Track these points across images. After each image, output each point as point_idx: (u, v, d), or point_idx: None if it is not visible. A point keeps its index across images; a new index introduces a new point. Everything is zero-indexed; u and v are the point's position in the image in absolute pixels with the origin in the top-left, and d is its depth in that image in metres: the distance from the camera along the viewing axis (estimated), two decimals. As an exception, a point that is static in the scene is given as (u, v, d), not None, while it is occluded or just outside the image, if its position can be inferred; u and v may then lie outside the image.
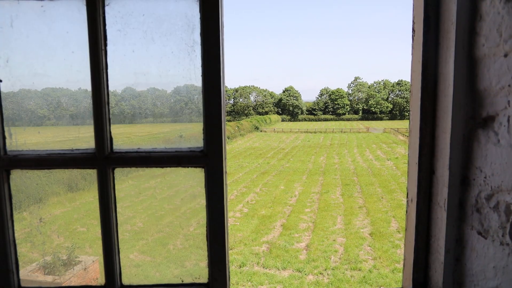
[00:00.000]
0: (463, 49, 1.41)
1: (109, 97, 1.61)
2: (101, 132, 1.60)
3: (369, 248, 15.84)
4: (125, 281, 1.76)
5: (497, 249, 1.33)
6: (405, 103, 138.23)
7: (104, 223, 1.67)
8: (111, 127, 1.65)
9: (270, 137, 73.28)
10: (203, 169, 1.64)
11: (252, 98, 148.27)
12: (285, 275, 13.49)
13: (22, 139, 1.76)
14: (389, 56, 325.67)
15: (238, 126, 71.90)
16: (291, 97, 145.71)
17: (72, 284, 8.64)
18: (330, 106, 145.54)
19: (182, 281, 1.79)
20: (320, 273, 13.59)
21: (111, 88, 1.62)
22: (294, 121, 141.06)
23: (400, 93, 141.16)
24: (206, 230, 1.68)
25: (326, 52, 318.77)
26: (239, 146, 56.62)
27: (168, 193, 17.89)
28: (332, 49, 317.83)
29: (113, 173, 1.66)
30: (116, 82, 1.63)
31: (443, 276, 1.53)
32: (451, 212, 1.49)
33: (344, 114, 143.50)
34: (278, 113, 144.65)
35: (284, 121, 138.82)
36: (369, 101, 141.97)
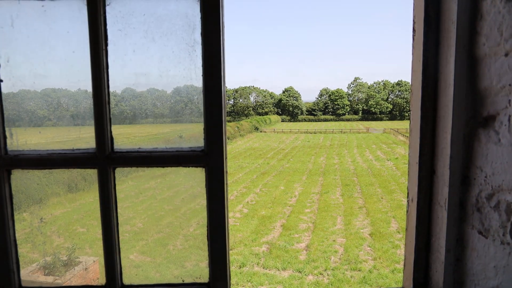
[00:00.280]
0: (464, 48, 1.41)
1: (110, 97, 1.61)
2: (102, 132, 1.60)
3: (369, 248, 15.83)
4: (126, 281, 1.76)
5: (497, 248, 1.33)
6: (405, 103, 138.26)
7: (104, 223, 1.67)
8: (111, 128, 1.65)
9: (270, 137, 73.28)
10: (203, 169, 1.64)
11: (252, 99, 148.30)
12: (285, 276, 13.48)
13: (22, 139, 1.76)
14: (389, 57, 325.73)
15: (238, 127, 71.89)
16: (291, 98, 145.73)
17: (73, 284, 8.64)
18: (330, 107, 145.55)
19: (183, 281, 1.79)
20: (320, 274, 13.59)
21: (110, 89, 1.62)
22: (294, 121, 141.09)
23: (400, 93, 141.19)
24: (207, 230, 1.68)
25: (326, 52, 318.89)
26: (239, 147, 56.62)
27: (168, 194, 17.90)
28: (333, 49, 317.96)
29: (114, 173, 1.66)
30: (116, 82, 1.63)
31: (443, 275, 1.53)
32: (451, 211, 1.49)
33: (344, 114, 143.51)
34: (278, 113, 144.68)
35: (284, 121, 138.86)
36: (369, 102, 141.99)
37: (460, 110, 1.44)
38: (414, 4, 1.61)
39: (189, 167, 1.65)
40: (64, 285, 8.27)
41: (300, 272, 13.74)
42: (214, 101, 1.57)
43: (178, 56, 1.63)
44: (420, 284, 1.68)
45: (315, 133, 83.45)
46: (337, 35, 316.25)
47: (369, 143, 58.54)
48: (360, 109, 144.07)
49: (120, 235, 1.74)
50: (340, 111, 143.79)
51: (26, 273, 8.48)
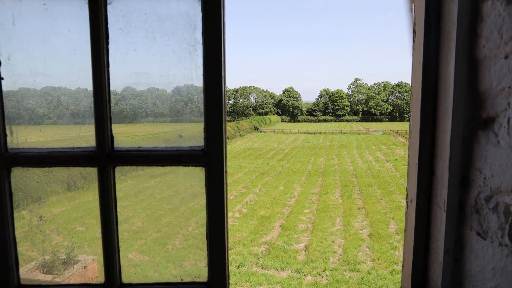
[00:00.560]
0: (464, 50, 1.42)
1: (110, 95, 1.61)
2: (102, 131, 1.60)
3: (367, 249, 15.84)
4: (125, 280, 1.76)
5: (496, 250, 1.34)
6: (405, 105, 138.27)
7: (104, 221, 1.68)
8: (112, 126, 1.65)
9: (269, 137, 73.28)
10: (203, 169, 1.64)
11: (252, 99, 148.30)
12: (283, 276, 13.48)
13: (23, 137, 1.76)
14: (389, 58, 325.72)
15: (237, 127, 71.89)
16: (291, 98, 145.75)
17: (72, 282, 8.64)
18: (330, 107, 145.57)
19: (182, 280, 1.79)
20: (319, 274, 13.59)
21: (111, 87, 1.62)
22: (293, 122, 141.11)
23: (400, 94, 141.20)
24: (206, 229, 1.68)
25: (326, 53, 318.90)
26: (239, 147, 56.62)
27: (167, 193, 17.91)
28: (333, 50, 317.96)
29: (114, 172, 1.66)
30: (117, 81, 1.64)
31: (442, 276, 1.53)
32: (450, 213, 1.49)
33: (343, 115, 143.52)
34: (278, 113, 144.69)
35: (284, 121, 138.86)
36: (369, 103, 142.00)
37: (459, 111, 1.44)
38: (414, 6, 1.61)
39: (189, 166, 1.66)
40: (63, 283, 8.28)
41: (298, 272, 13.74)
42: (215, 101, 1.57)
43: (179, 55, 1.64)
44: (418, 285, 1.68)
45: (314, 133, 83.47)
46: (337, 36, 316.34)
47: (368, 144, 58.55)
48: (360, 110, 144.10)
49: (119, 234, 1.74)
50: (340, 112, 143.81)
51: (25, 271, 8.49)
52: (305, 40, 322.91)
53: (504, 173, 1.28)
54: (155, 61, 1.72)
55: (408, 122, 1.68)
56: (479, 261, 1.40)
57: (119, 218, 1.73)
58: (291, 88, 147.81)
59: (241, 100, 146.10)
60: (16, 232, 1.74)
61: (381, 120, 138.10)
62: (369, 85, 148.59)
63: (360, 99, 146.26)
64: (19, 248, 1.76)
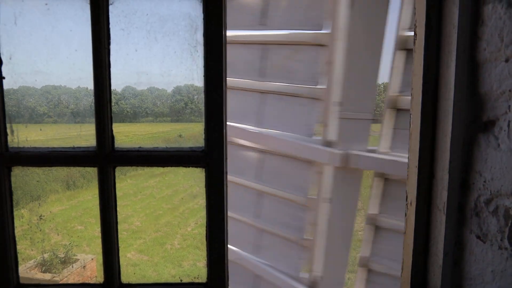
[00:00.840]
0: (465, 53, 1.42)
1: (111, 95, 1.61)
2: (103, 131, 1.60)
3: (366, 250, 15.81)
4: (124, 280, 1.76)
5: (495, 253, 1.34)
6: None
7: (104, 221, 1.68)
8: (112, 126, 1.65)
9: (269, 138, 73.01)
10: (203, 169, 1.64)
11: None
12: (282, 277, 13.45)
13: (23, 136, 1.76)
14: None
15: (237, 127, 71.71)
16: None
17: (70, 281, 8.63)
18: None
19: (181, 280, 1.79)
20: (318, 275, 13.56)
21: (111, 87, 1.62)
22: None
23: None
24: (206, 230, 1.68)
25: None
26: (238, 147, 56.44)
27: (167, 193, 17.89)
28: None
29: (114, 172, 1.66)
30: (118, 80, 1.64)
31: (441, 279, 1.53)
32: (450, 215, 1.49)
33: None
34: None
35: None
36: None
37: (460, 114, 1.44)
38: (415, 8, 1.61)
39: (189, 167, 1.66)
40: (61, 282, 8.26)
41: (297, 273, 13.70)
42: (215, 102, 1.57)
43: (180, 56, 1.64)
44: (418, 288, 1.68)
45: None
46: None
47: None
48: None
49: (118, 234, 1.74)
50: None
51: (24, 269, 8.48)
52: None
53: (504, 176, 1.28)
54: (156, 61, 1.73)
55: (408, 124, 1.68)
56: (479, 264, 1.40)
57: (119, 218, 1.73)
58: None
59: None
60: (15, 231, 1.74)
61: (381, 122, 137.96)
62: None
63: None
64: (18, 247, 1.76)
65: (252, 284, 6.04)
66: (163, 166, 1.66)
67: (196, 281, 1.78)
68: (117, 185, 1.70)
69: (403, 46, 4.53)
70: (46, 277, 8.58)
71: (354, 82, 4.93)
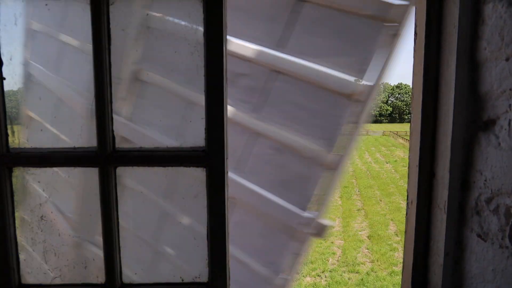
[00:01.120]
0: (465, 52, 1.42)
1: (112, 95, 1.61)
2: (104, 131, 1.61)
3: (367, 250, 15.84)
4: (125, 279, 1.76)
5: (496, 252, 1.34)
6: (404, 106, 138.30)
7: (105, 222, 1.68)
8: (113, 127, 1.66)
9: (269, 138, 73.03)
10: (204, 169, 1.64)
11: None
12: (283, 277, 13.45)
13: (24, 137, 1.76)
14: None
15: (237, 127, 71.71)
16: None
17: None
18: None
19: (182, 280, 1.79)
20: (318, 275, 13.59)
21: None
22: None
23: (399, 96, 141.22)
24: (207, 230, 1.68)
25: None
26: (238, 147, 56.47)
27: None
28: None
29: (115, 172, 1.66)
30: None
31: (442, 278, 1.54)
32: (451, 214, 1.49)
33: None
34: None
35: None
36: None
37: (460, 113, 1.44)
38: (415, 8, 1.62)
39: (190, 167, 1.66)
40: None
41: (297, 273, 13.71)
42: (216, 101, 1.58)
43: (180, 56, 1.64)
44: (419, 287, 1.68)
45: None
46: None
47: (368, 145, 58.52)
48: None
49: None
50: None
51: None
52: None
53: (504, 175, 1.28)
54: (157, 61, 1.73)
55: (408, 124, 1.69)
56: (480, 263, 1.41)
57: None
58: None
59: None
60: (17, 231, 1.75)
61: (380, 122, 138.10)
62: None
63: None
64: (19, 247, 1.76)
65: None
66: (165, 166, 1.66)
67: (197, 280, 1.79)
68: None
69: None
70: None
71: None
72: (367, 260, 14.91)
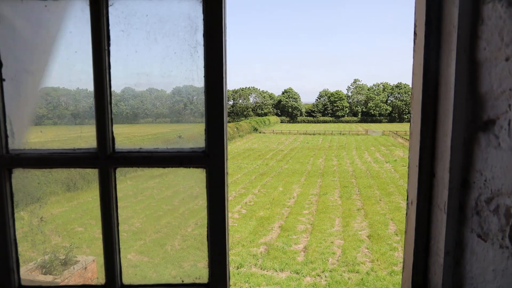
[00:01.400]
0: (465, 52, 1.42)
1: (112, 97, 1.61)
2: (103, 132, 1.61)
3: (367, 250, 15.84)
4: (125, 281, 1.76)
5: (496, 252, 1.34)
6: (404, 106, 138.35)
7: (105, 223, 1.68)
8: (113, 128, 1.65)
9: (269, 138, 73.31)
10: (204, 170, 1.64)
11: (251, 99, 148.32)
12: (282, 277, 13.48)
13: (24, 138, 1.76)
14: (389, 59, 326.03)
15: (237, 127, 71.88)
16: (290, 99, 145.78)
17: (71, 283, 8.63)
18: (329, 108, 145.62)
19: (183, 281, 1.79)
20: (318, 275, 13.59)
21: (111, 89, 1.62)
22: (293, 122, 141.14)
23: (399, 95, 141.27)
24: (207, 231, 1.68)
25: (326, 53, 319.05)
26: (238, 147, 56.62)
27: (166, 193, 17.90)
28: (332, 50, 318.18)
29: (115, 173, 1.66)
30: (118, 82, 1.64)
31: (442, 278, 1.53)
32: (451, 214, 1.49)
33: (343, 116, 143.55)
34: (277, 114, 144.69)
35: (283, 122, 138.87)
36: (368, 104, 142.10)
37: (460, 113, 1.44)
38: (415, 8, 1.62)
39: (190, 168, 1.66)
40: (62, 284, 8.26)
41: (297, 273, 13.73)
42: (216, 103, 1.58)
43: (180, 57, 1.64)
44: (419, 287, 1.68)
45: (314, 134, 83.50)
46: (337, 37, 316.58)
47: (368, 145, 58.56)
48: (359, 111, 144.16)
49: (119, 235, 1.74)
50: (339, 113, 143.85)
51: (24, 271, 8.47)
52: (305, 40, 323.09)
53: (504, 175, 1.28)
54: (156, 62, 1.73)
55: (407, 123, 1.69)
56: (480, 263, 1.40)
57: (119, 219, 1.73)
58: (291, 89, 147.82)
59: (240, 101, 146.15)
60: (16, 233, 1.74)
61: (380, 121, 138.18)
62: (369, 86, 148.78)
63: (359, 100, 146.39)
64: (19, 249, 1.76)
65: None
66: (164, 167, 1.66)
67: (198, 281, 1.79)
68: (117, 186, 1.70)
69: None
70: (48, 278, 8.58)
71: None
72: (367, 259, 14.92)
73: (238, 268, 14.23)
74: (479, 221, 1.40)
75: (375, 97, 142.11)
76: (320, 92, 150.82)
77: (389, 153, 47.61)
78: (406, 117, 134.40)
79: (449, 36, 1.46)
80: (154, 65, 1.75)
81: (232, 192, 25.97)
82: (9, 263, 1.71)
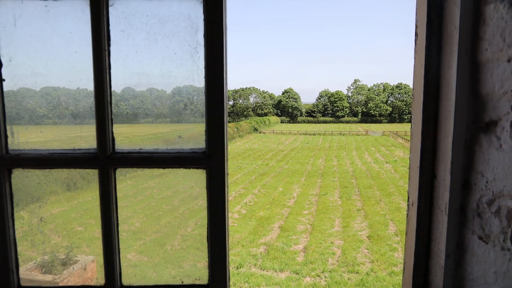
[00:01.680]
0: (466, 53, 1.41)
1: (112, 97, 1.61)
2: (103, 132, 1.60)
3: (366, 251, 15.83)
4: (125, 281, 1.76)
5: (498, 254, 1.33)
6: (404, 106, 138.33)
7: (104, 223, 1.67)
8: (113, 128, 1.65)
9: (269, 138, 73.31)
10: (204, 171, 1.64)
11: (251, 100, 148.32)
12: (282, 277, 13.48)
13: (24, 138, 1.76)
14: (389, 59, 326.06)
15: (237, 127, 71.87)
16: (291, 99, 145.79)
17: (71, 282, 8.62)
18: (330, 109, 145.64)
19: (182, 282, 1.79)
20: (318, 276, 13.58)
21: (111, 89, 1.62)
22: (293, 123, 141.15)
23: (399, 96, 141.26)
24: (207, 231, 1.67)
25: (326, 54, 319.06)
26: (238, 147, 56.61)
27: (166, 194, 17.89)
28: (332, 51, 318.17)
29: (115, 174, 1.66)
30: (118, 81, 1.63)
31: (443, 280, 1.53)
32: (452, 216, 1.49)
33: (343, 116, 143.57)
34: (277, 114, 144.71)
35: (283, 122, 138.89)
36: (369, 104, 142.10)
37: (461, 115, 1.44)
38: (416, 9, 1.61)
39: (190, 168, 1.65)
40: (61, 284, 8.26)
41: (297, 273, 13.73)
42: (216, 103, 1.57)
43: (180, 57, 1.63)
44: (420, 288, 1.68)
45: (314, 134, 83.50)
46: (337, 37, 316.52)
47: (368, 145, 58.54)
48: (360, 111, 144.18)
49: (119, 235, 1.73)
50: (339, 113, 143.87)
51: (24, 271, 8.46)
52: (305, 41, 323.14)
53: (506, 177, 1.28)
54: (157, 63, 1.72)
55: (408, 124, 1.69)
56: (481, 265, 1.40)
57: (118, 219, 1.73)
58: (291, 89, 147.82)
59: (240, 101, 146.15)
60: (16, 232, 1.74)
61: (380, 122, 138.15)
62: (369, 86, 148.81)
63: (359, 100, 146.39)
64: (18, 249, 1.75)
65: None
66: (164, 167, 1.65)
67: (197, 282, 1.78)
68: (117, 186, 1.70)
69: None
70: (47, 278, 8.57)
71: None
72: (367, 260, 14.91)
73: (237, 268, 14.23)
74: (480, 223, 1.40)
75: (375, 98, 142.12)
76: (320, 92, 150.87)
77: (389, 153, 47.60)
78: (406, 117, 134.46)
79: (451, 37, 1.45)
80: (154, 65, 1.75)
81: (232, 192, 25.96)
82: (9, 263, 1.71)
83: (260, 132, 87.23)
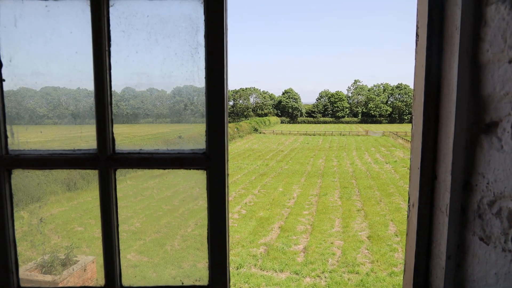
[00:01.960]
0: (467, 54, 1.41)
1: (112, 98, 1.61)
2: (104, 133, 1.60)
3: (366, 251, 15.83)
4: (125, 282, 1.75)
5: (499, 255, 1.33)
6: (404, 106, 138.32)
7: (104, 223, 1.67)
8: (113, 129, 1.65)
9: (269, 139, 73.31)
10: (204, 172, 1.64)
11: (251, 100, 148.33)
12: (282, 277, 13.47)
13: (23, 138, 1.75)
14: (389, 59, 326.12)
15: (237, 128, 71.86)
16: (291, 99, 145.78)
17: (70, 283, 8.62)
18: (330, 109, 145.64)
19: (182, 283, 1.78)
20: (318, 276, 13.58)
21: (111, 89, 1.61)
22: (293, 123, 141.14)
23: (399, 96, 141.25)
24: (207, 232, 1.67)
25: (326, 54, 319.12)
26: (238, 148, 56.60)
27: (166, 194, 17.88)
28: (332, 51, 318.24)
29: (115, 174, 1.65)
30: (119, 82, 1.63)
31: (444, 281, 1.53)
32: (453, 217, 1.49)
33: (343, 117, 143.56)
34: (277, 115, 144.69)
35: (283, 123, 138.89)
36: (369, 104, 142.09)
37: (462, 116, 1.43)
38: (417, 9, 1.61)
39: (190, 169, 1.65)
40: (61, 284, 8.25)
41: (297, 274, 13.73)
42: (216, 103, 1.57)
43: (181, 58, 1.63)
44: (420, 290, 1.67)
45: (314, 135, 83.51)
46: (337, 37, 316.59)
47: (368, 146, 58.54)
48: (360, 111, 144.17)
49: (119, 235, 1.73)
50: (339, 114, 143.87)
51: (23, 271, 8.46)
52: (305, 41, 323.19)
53: (507, 178, 1.27)
54: (157, 63, 1.72)
55: (408, 124, 1.68)
56: (482, 266, 1.40)
57: (119, 219, 1.73)
58: (291, 89, 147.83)
59: (240, 101, 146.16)
60: (16, 233, 1.74)
61: (380, 122, 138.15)
62: (369, 87, 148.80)
63: (359, 100, 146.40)
64: (18, 249, 1.75)
65: None
66: (164, 168, 1.65)
67: (198, 283, 1.78)
68: (117, 186, 1.69)
69: None
70: (47, 278, 8.56)
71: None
72: (367, 260, 14.91)
73: (237, 268, 14.23)
74: (481, 224, 1.40)
75: (375, 98, 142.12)
76: (320, 93, 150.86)
77: (389, 154, 47.60)
78: (406, 118, 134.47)
79: (452, 38, 1.45)
80: (154, 66, 1.74)
81: (232, 193, 25.96)
82: (8, 264, 1.71)
83: (260, 133, 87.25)
